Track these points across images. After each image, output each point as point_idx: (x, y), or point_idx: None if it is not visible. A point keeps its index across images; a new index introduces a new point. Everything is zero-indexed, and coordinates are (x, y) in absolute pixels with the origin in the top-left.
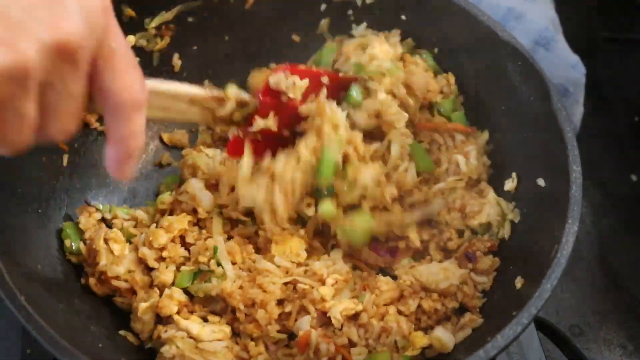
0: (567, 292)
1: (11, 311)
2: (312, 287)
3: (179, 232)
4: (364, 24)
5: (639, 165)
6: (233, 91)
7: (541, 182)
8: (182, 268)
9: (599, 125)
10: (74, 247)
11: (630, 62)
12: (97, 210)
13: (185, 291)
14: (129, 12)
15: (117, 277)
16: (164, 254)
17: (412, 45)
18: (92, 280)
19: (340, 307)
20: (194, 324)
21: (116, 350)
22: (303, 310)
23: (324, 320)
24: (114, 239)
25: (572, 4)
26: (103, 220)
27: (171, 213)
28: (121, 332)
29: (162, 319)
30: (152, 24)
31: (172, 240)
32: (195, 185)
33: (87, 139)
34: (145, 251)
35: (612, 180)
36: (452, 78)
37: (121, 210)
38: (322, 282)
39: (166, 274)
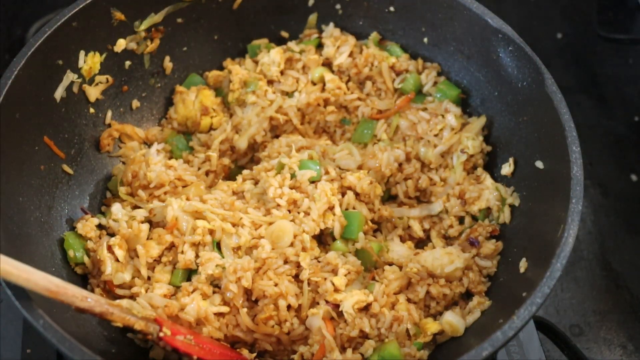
0: (567, 292)
1: (11, 311)
2: (325, 279)
3: (169, 244)
4: (332, 24)
5: (639, 165)
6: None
7: (540, 164)
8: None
9: (599, 125)
10: (77, 257)
11: (630, 62)
12: (94, 216)
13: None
14: (119, 15)
15: (121, 286)
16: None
17: (378, 39)
18: (97, 292)
19: (352, 300)
20: None
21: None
22: (315, 303)
23: (335, 312)
24: (118, 245)
25: (572, 3)
26: (102, 227)
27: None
28: (129, 335)
29: None
30: (142, 26)
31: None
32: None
33: (83, 145)
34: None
35: (612, 180)
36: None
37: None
38: (335, 273)
39: (163, 275)
